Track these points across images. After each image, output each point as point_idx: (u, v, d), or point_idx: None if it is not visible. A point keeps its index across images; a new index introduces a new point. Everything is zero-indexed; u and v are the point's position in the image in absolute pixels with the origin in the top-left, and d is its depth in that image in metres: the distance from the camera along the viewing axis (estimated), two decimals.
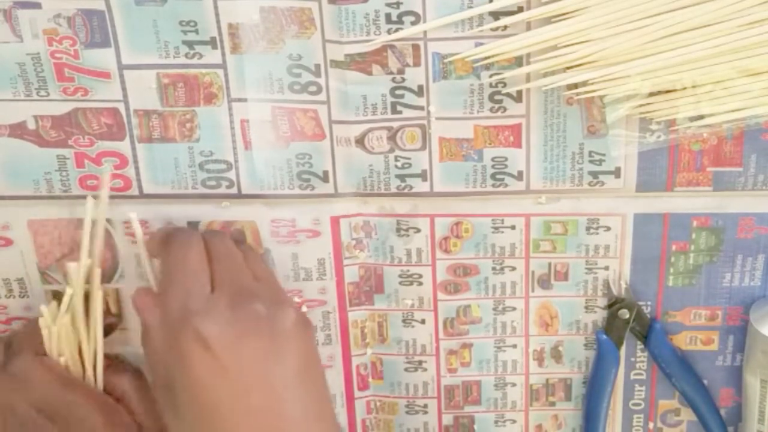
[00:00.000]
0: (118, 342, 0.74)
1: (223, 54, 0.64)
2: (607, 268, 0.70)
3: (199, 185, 0.68)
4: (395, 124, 0.66)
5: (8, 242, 0.71)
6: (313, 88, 0.65)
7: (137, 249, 0.69)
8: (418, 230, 0.70)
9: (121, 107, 0.66)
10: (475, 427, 0.77)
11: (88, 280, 0.66)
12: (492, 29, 0.63)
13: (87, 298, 0.66)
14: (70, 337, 0.66)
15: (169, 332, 0.59)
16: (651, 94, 0.63)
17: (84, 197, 0.68)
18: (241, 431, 0.57)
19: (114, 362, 0.69)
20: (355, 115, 0.65)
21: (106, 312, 0.73)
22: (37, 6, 0.63)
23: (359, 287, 0.72)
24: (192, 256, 0.62)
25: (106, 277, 0.72)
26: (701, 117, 0.63)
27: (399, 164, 0.67)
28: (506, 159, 0.67)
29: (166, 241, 0.64)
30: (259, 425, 0.58)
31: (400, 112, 0.65)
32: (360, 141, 0.66)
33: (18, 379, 0.65)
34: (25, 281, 0.72)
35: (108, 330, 0.72)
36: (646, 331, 0.72)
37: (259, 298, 0.60)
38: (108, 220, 0.70)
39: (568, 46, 0.62)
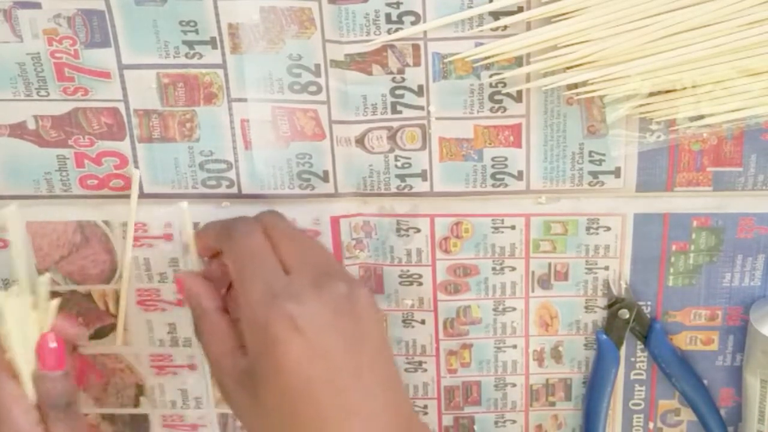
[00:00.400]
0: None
1: (223, 54, 0.64)
2: (607, 268, 0.70)
3: (199, 185, 0.68)
4: (395, 124, 0.66)
5: (6, 244, 0.71)
6: (313, 88, 0.65)
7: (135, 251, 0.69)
8: (418, 230, 0.70)
9: (121, 107, 0.66)
10: (476, 427, 0.77)
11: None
12: (492, 29, 0.63)
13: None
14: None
15: (253, 319, 0.57)
16: (651, 94, 0.63)
17: (84, 197, 0.68)
18: (330, 413, 0.56)
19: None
20: (355, 115, 0.65)
21: (106, 313, 0.73)
22: (37, 6, 0.63)
23: None
24: (256, 242, 0.61)
25: (105, 278, 0.72)
26: (701, 117, 0.63)
27: (399, 164, 0.67)
28: (506, 159, 0.67)
29: (226, 234, 0.62)
30: (348, 406, 0.57)
31: (400, 112, 0.65)
32: (360, 141, 0.66)
33: None
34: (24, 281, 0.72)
35: (108, 331, 0.72)
36: (646, 331, 0.72)
37: (338, 277, 0.59)
38: (106, 222, 0.70)
39: (568, 46, 0.62)
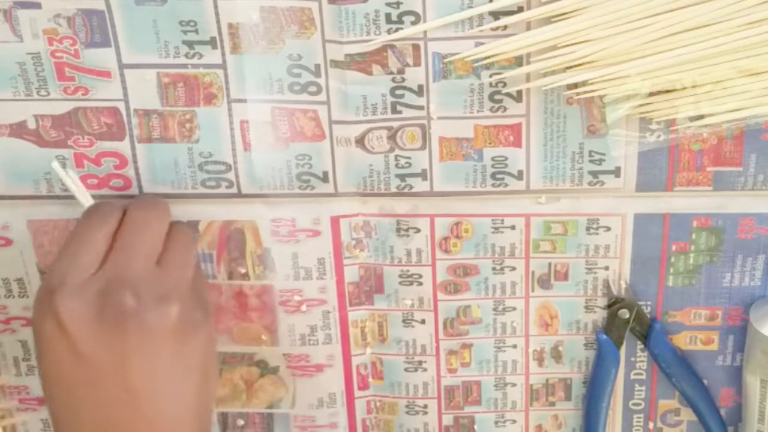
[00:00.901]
0: None
1: (223, 54, 0.64)
2: (607, 268, 0.70)
3: (198, 185, 0.68)
4: (395, 124, 0.66)
5: (8, 242, 0.71)
6: (313, 89, 0.65)
7: None
8: (418, 230, 0.70)
9: (122, 106, 0.66)
10: (476, 427, 0.77)
11: None
12: (492, 29, 0.63)
13: None
14: None
15: (37, 303, 0.58)
16: (651, 94, 0.63)
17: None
18: (91, 421, 0.56)
19: None
20: (355, 115, 0.65)
21: None
22: (37, 6, 0.63)
23: (359, 287, 0.72)
24: (95, 227, 0.60)
25: None
26: (701, 117, 0.63)
27: (399, 164, 0.67)
28: (506, 158, 0.67)
29: (87, 210, 0.62)
30: (111, 418, 0.57)
31: (400, 112, 0.65)
32: (360, 141, 0.66)
33: None
34: (24, 281, 0.72)
35: None
36: (646, 331, 0.72)
37: (137, 289, 0.58)
38: None
39: (568, 46, 0.62)
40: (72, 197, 0.66)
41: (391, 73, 0.64)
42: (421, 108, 0.65)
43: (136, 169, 0.67)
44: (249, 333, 0.73)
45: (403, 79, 0.64)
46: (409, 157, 0.67)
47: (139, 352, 0.57)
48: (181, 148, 0.67)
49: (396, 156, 0.67)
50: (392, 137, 0.66)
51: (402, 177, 0.68)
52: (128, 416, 0.57)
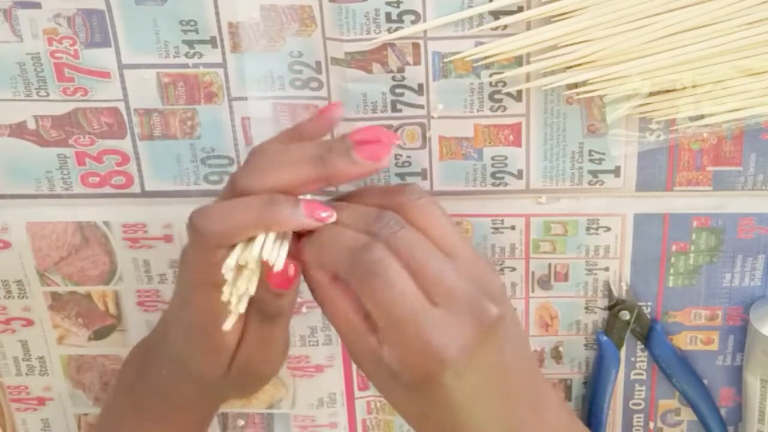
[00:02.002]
0: (118, 343, 0.74)
1: (224, 53, 0.64)
2: (607, 268, 0.70)
3: (201, 181, 0.68)
4: (395, 123, 0.66)
5: (6, 245, 0.71)
6: (314, 84, 0.65)
7: (135, 253, 0.69)
8: None
9: (122, 106, 0.66)
10: None
11: None
12: (492, 29, 0.63)
13: None
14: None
15: (407, 358, 0.52)
16: (651, 94, 0.63)
17: (85, 196, 0.68)
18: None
19: None
20: (356, 113, 0.65)
21: (105, 313, 0.73)
22: (37, 6, 0.63)
23: None
24: (399, 286, 0.52)
25: (105, 280, 0.72)
26: (701, 117, 0.63)
27: (399, 163, 0.67)
28: (506, 158, 0.67)
29: (356, 270, 0.53)
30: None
31: (400, 111, 0.65)
32: None
33: None
34: (23, 283, 0.72)
35: (107, 331, 0.73)
36: (647, 331, 0.71)
37: (490, 297, 0.54)
38: (105, 223, 0.70)
39: (568, 45, 0.62)
40: (73, 196, 0.66)
41: (391, 71, 0.64)
42: (421, 107, 0.65)
43: (138, 165, 0.67)
44: None
45: (403, 78, 0.64)
46: (409, 157, 0.67)
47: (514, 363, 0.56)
48: (183, 144, 0.67)
49: (396, 155, 0.67)
50: None
51: (402, 176, 0.67)
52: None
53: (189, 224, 0.55)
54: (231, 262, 0.53)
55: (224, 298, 0.53)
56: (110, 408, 0.69)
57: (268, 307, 0.58)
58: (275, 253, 0.54)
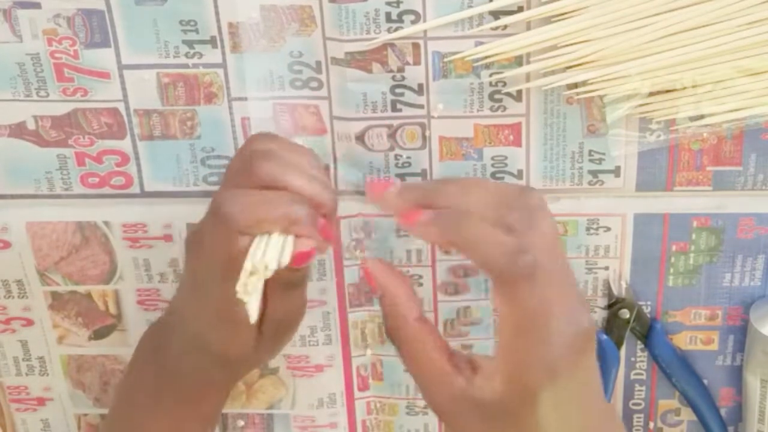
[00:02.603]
0: (118, 343, 0.74)
1: (224, 53, 0.64)
2: (607, 268, 0.70)
3: (200, 182, 0.68)
4: (395, 122, 0.66)
5: (6, 245, 0.71)
6: (314, 84, 0.65)
7: (135, 252, 0.69)
8: None
9: (121, 107, 0.66)
10: None
11: None
12: (492, 29, 0.63)
13: None
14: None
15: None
16: (651, 94, 0.63)
17: (85, 196, 0.68)
18: None
19: None
20: (356, 112, 0.65)
21: (106, 313, 0.73)
22: (37, 6, 0.63)
23: (359, 288, 0.72)
24: None
25: (105, 279, 0.72)
26: (701, 117, 0.63)
27: (399, 163, 0.67)
28: (506, 158, 0.67)
29: (516, 276, 0.52)
30: None
31: (400, 110, 0.65)
32: (360, 138, 0.66)
33: None
34: (23, 282, 0.72)
35: (107, 331, 0.72)
36: (647, 331, 0.72)
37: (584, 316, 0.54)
38: (105, 222, 0.70)
39: (568, 45, 0.62)
40: (73, 196, 0.66)
41: (391, 71, 0.64)
42: (421, 107, 0.65)
43: (138, 166, 0.67)
44: None
45: (403, 78, 0.64)
46: (409, 157, 0.67)
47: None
48: (183, 145, 0.67)
49: (396, 155, 0.67)
50: (392, 136, 0.66)
51: (402, 176, 0.67)
52: None
53: (215, 208, 0.55)
54: (247, 264, 0.53)
55: (239, 296, 0.54)
56: (122, 399, 0.68)
57: (289, 278, 0.57)
58: (285, 252, 0.54)
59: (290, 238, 0.55)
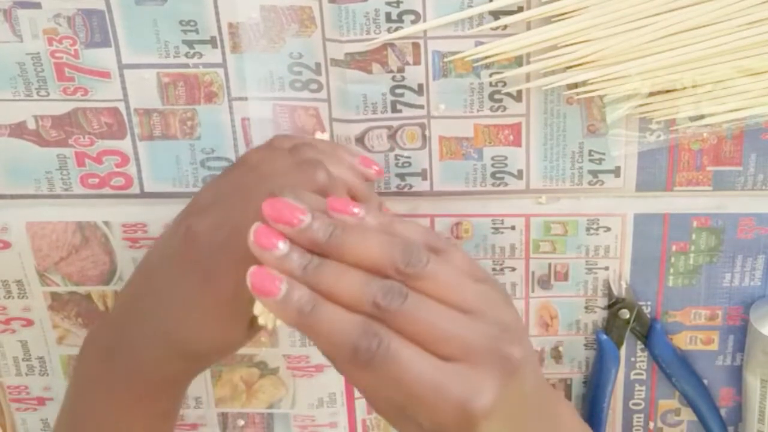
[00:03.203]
0: None
1: (224, 53, 0.64)
2: (607, 268, 0.70)
3: (200, 183, 0.68)
4: (395, 123, 0.66)
5: (6, 245, 0.71)
6: (314, 86, 0.65)
7: (135, 253, 0.69)
8: None
9: (122, 106, 0.66)
10: None
11: None
12: (492, 29, 0.63)
13: None
14: None
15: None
16: (651, 94, 0.63)
17: (85, 196, 0.68)
18: None
19: None
20: (356, 114, 0.65)
21: (105, 314, 0.73)
22: (37, 6, 0.63)
23: None
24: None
25: (105, 280, 0.72)
26: (701, 117, 0.63)
27: (399, 163, 0.67)
28: (506, 158, 0.67)
29: (364, 366, 0.49)
30: None
31: (400, 111, 0.65)
32: (360, 140, 0.66)
33: None
34: (23, 282, 0.72)
35: None
36: (647, 331, 0.72)
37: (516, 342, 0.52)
38: (105, 222, 0.70)
39: (568, 45, 0.62)
40: (72, 196, 0.66)
41: (391, 71, 0.64)
42: (421, 107, 0.65)
43: (138, 167, 0.67)
44: None
45: (403, 78, 0.64)
46: (408, 157, 0.67)
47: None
48: (183, 145, 0.67)
49: (396, 155, 0.67)
50: (392, 136, 0.66)
51: (402, 176, 0.68)
52: None
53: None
54: None
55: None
56: (74, 404, 0.67)
57: None
58: None
59: None
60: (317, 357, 0.74)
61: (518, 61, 0.64)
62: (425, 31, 0.63)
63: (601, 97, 0.64)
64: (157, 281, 0.61)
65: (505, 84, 0.64)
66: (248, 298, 0.52)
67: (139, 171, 0.68)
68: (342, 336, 0.49)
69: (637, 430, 0.76)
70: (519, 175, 0.67)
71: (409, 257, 0.50)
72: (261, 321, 0.54)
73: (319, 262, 0.50)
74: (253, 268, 0.50)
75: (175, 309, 0.59)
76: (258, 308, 0.54)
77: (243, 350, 0.73)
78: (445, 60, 0.64)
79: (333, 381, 0.75)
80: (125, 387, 0.63)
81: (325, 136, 0.66)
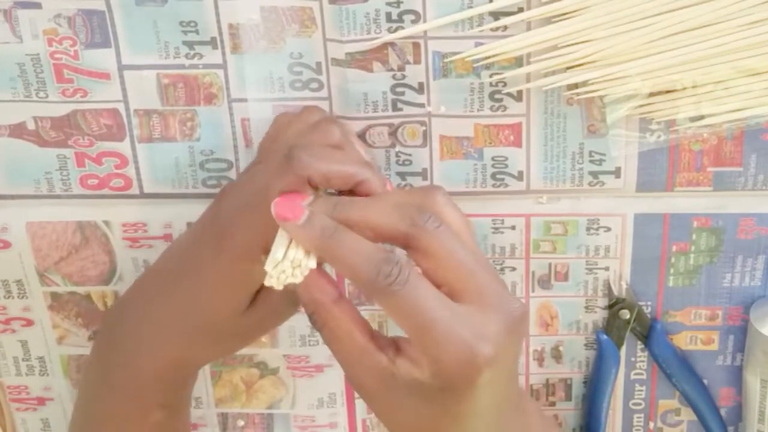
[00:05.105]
0: None
1: (224, 54, 0.64)
2: (607, 268, 0.70)
3: (199, 185, 0.68)
4: (396, 121, 0.66)
5: (6, 245, 0.71)
6: (314, 85, 0.65)
7: (135, 252, 0.69)
8: None
9: (121, 107, 0.66)
10: None
11: None
12: (492, 29, 0.63)
13: None
14: None
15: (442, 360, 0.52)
16: (651, 94, 0.63)
17: (85, 197, 0.68)
18: None
19: None
20: (356, 112, 0.65)
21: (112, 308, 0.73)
22: (37, 6, 0.63)
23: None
24: (422, 292, 0.52)
25: (105, 280, 0.72)
26: (701, 117, 0.63)
27: (400, 160, 0.67)
28: (506, 159, 0.67)
29: (381, 292, 0.51)
30: None
31: (401, 110, 0.65)
32: (361, 137, 0.66)
33: None
34: (23, 282, 0.72)
35: None
36: (647, 331, 0.72)
37: (510, 302, 0.53)
38: (106, 222, 0.70)
39: (568, 46, 0.62)
40: (72, 197, 0.66)
41: (392, 70, 0.64)
42: (421, 105, 0.65)
43: (137, 168, 0.67)
44: None
45: (404, 77, 0.64)
46: (409, 155, 0.67)
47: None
48: (182, 147, 0.67)
49: (397, 153, 0.67)
50: (393, 134, 0.66)
51: (402, 175, 0.67)
52: None
53: (287, 154, 0.55)
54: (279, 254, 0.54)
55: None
56: (83, 401, 0.69)
57: None
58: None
59: None
60: (317, 357, 0.74)
61: (518, 62, 0.64)
62: (425, 32, 0.63)
63: (601, 98, 0.64)
64: (176, 249, 0.64)
65: (505, 84, 0.64)
66: (257, 265, 0.55)
67: (138, 173, 0.68)
68: (363, 260, 0.51)
69: (637, 430, 0.76)
70: (519, 177, 0.67)
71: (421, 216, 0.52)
72: (267, 281, 0.54)
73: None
74: (277, 199, 0.53)
75: (187, 269, 0.61)
76: (270, 264, 0.54)
77: (243, 351, 0.73)
78: (446, 60, 0.64)
79: (333, 381, 0.75)
80: (127, 378, 0.64)
81: None
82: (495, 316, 0.51)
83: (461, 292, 0.52)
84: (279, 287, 0.54)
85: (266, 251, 0.55)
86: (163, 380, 0.64)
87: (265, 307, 0.62)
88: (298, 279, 0.54)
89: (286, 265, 0.54)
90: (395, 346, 0.54)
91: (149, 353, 0.64)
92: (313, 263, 0.53)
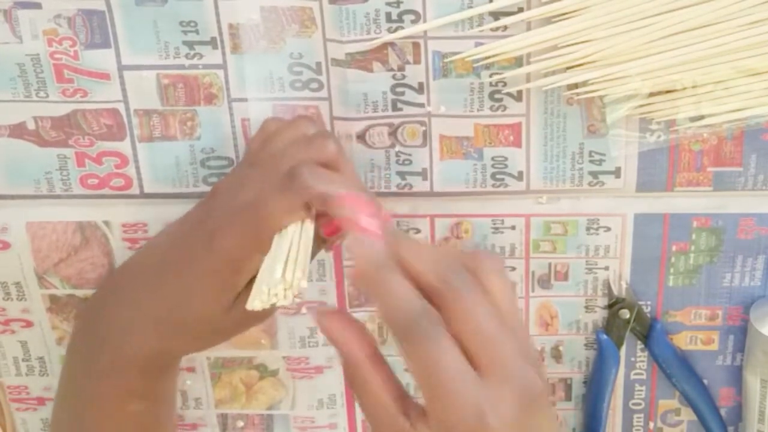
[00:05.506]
0: None
1: (224, 54, 0.64)
2: (607, 268, 0.70)
3: (200, 183, 0.68)
4: (396, 121, 0.66)
5: (6, 245, 0.71)
6: (314, 85, 0.65)
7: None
8: (418, 231, 0.70)
9: (121, 107, 0.66)
10: None
11: None
12: (492, 29, 0.63)
13: None
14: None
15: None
16: (651, 94, 0.63)
17: (85, 197, 0.68)
18: None
19: None
20: (356, 112, 0.65)
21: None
22: (37, 6, 0.63)
23: (359, 289, 0.72)
24: (446, 355, 0.51)
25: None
26: (701, 117, 0.63)
27: (400, 160, 0.67)
28: (506, 159, 0.67)
29: (409, 340, 0.51)
30: None
31: (401, 109, 0.65)
32: (361, 137, 0.66)
33: None
34: (22, 285, 0.72)
35: None
36: (647, 330, 0.72)
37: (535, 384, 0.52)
38: (106, 222, 0.70)
39: (568, 46, 0.62)
40: (72, 197, 0.66)
41: (392, 70, 0.64)
42: (421, 105, 0.65)
43: (137, 168, 0.67)
44: (248, 337, 0.73)
45: (404, 77, 0.64)
46: (409, 155, 0.67)
47: None
48: (183, 146, 0.67)
49: (397, 152, 0.67)
50: (393, 133, 0.66)
51: (402, 175, 0.67)
52: None
53: (293, 175, 0.56)
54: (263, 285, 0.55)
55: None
56: (65, 391, 0.70)
57: None
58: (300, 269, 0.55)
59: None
60: (317, 359, 0.74)
61: (518, 62, 0.64)
62: (425, 32, 0.63)
63: (601, 98, 0.64)
64: (159, 246, 0.65)
65: (505, 84, 0.64)
66: (241, 270, 0.57)
67: (138, 172, 0.67)
68: (402, 305, 0.51)
69: (637, 430, 0.76)
70: (519, 177, 0.67)
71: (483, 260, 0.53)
72: (249, 304, 0.55)
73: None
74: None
75: (175, 264, 0.62)
76: (264, 283, 0.55)
77: (243, 352, 0.73)
78: (446, 60, 0.64)
79: (333, 382, 0.75)
80: (106, 363, 0.65)
81: None
82: (511, 391, 0.50)
83: (481, 364, 0.51)
84: (261, 308, 0.54)
85: (253, 256, 0.55)
86: (140, 368, 0.64)
87: None
88: (288, 300, 0.54)
89: (280, 289, 0.54)
90: (421, 411, 0.53)
91: (129, 341, 0.64)
92: (304, 284, 0.53)
